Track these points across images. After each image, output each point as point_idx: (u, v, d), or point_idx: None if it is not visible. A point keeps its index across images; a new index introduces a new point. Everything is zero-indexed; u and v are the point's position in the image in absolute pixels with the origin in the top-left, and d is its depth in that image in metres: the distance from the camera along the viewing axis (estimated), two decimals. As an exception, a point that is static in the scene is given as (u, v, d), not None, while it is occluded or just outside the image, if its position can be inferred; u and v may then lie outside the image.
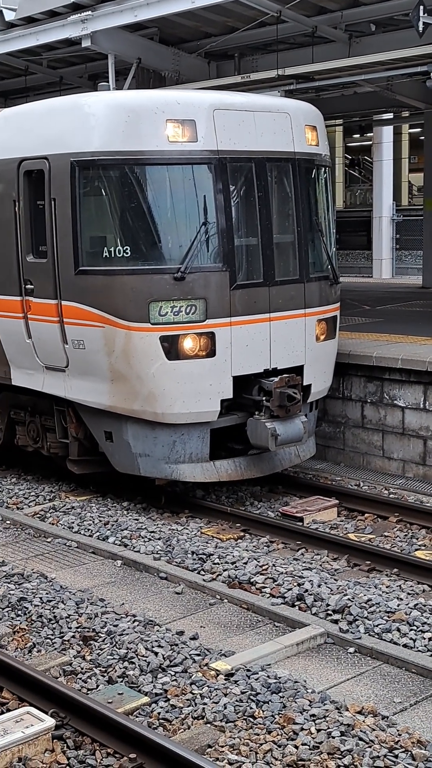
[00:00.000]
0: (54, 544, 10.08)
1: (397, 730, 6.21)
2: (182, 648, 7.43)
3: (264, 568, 8.98)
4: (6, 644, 7.62)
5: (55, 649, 7.56)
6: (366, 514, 10.77)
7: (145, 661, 7.18)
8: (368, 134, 35.09)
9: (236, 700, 6.58)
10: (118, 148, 10.10)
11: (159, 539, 9.92)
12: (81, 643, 7.62)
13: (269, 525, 10.32)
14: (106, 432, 10.79)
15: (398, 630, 7.69)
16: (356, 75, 15.47)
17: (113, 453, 10.82)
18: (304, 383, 11.07)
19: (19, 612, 8.22)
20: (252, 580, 8.76)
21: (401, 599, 8.25)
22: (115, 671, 7.09)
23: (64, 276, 10.53)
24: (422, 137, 24.44)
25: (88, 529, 10.33)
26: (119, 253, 10.14)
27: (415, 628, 7.72)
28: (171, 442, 10.45)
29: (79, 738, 6.23)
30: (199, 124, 10.14)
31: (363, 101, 21.19)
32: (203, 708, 6.48)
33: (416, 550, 9.67)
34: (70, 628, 7.86)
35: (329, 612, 8.05)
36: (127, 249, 10.13)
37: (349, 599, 8.14)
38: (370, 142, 31.82)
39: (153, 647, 7.39)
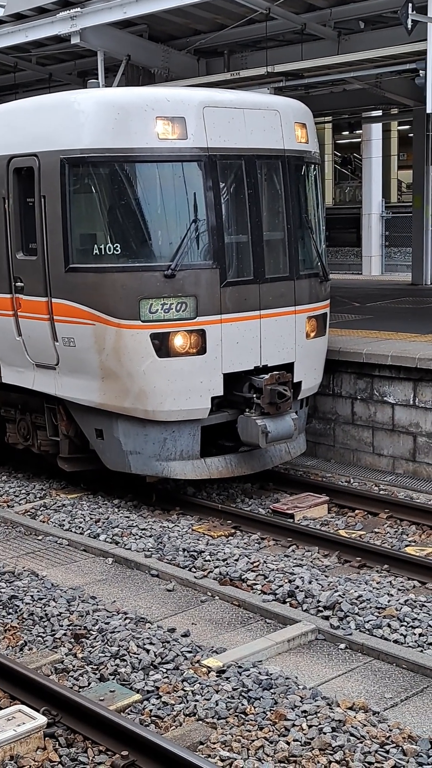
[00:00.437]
0: (45, 542, 10.08)
1: (389, 726, 6.24)
2: (174, 645, 7.44)
3: (255, 564, 8.99)
4: (-3, 642, 7.62)
5: (47, 647, 7.56)
6: (356, 511, 10.79)
7: (137, 658, 7.19)
8: (357, 131, 35.13)
9: (228, 697, 6.59)
10: (108, 145, 10.09)
11: (150, 536, 9.93)
12: (72, 640, 7.62)
13: (260, 522, 10.33)
14: (97, 429, 10.79)
15: (389, 626, 7.71)
16: (345, 72, 15.53)
17: (104, 450, 10.82)
18: (295, 380, 11.09)
19: (11, 610, 8.21)
20: (243, 577, 8.77)
21: (392, 595, 8.27)
22: (107, 669, 7.10)
23: (54, 273, 10.52)
24: (411, 134, 24.49)
25: (79, 527, 10.33)
26: (109, 251, 10.14)
27: (405, 623, 7.75)
28: (162, 439, 10.45)
29: (71, 736, 6.24)
30: (189, 122, 10.14)
31: (352, 98, 21.24)
32: (195, 705, 6.49)
33: (406, 546, 9.70)
34: (62, 625, 7.86)
35: (320, 608, 8.07)
36: (117, 246, 10.12)
37: (339, 595, 8.16)
38: (359, 139, 31.83)
39: (144, 644, 7.39)
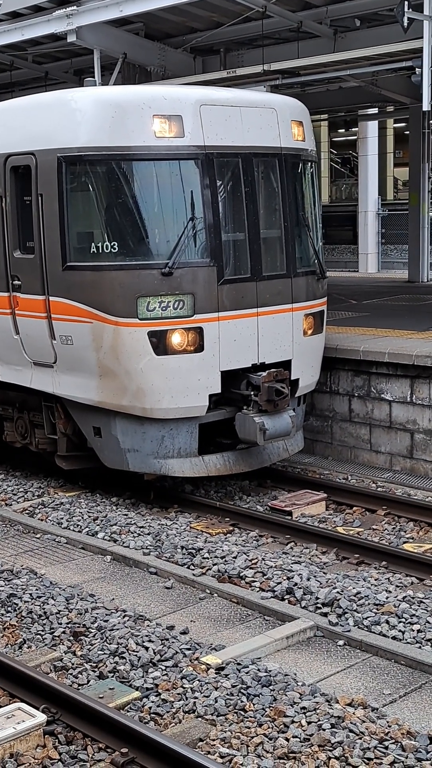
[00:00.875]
0: (43, 540, 10.08)
1: (387, 722, 6.25)
2: (173, 642, 7.45)
3: (253, 562, 9.00)
4: (-4, 640, 7.63)
5: (46, 644, 7.57)
6: (354, 508, 10.81)
7: (136, 655, 7.20)
8: (353, 129, 35.12)
9: (227, 694, 6.60)
10: (105, 143, 10.10)
11: (148, 534, 9.94)
12: (71, 638, 7.63)
13: (258, 519, 10.35)
14: (95, 427, 10.79)
15: (387, 622, 7.73)
16: (341, 70, 15.53)
17: (102, 448, 10.82)
18: (292, 378, 11.11)
19: (9, 608, 8.22)
20: (242, 575, 8.79)
21: (390, 592, 8.29)
22: (106, 666, 7.11)
23: (52, 272, 10.53)
24: (407, 132, 24.51)
25: (78, 525, 10.34)
26: (107, 249, 10.14)
27: (403, 620, 7.76)
28: (159, 437, 10.46)
29: (70, 733, 6.25)
30: (186, 120, 10.15)
31: (348, 96, 21.24)
32: (194, 702, 6.50)
33: (404, 542, 9.72)
34: (61, 623, 7.87)
35: (318, 605, 8.08)
36: (114, 244, 10.13)
37: (338, 592, 8.17)
38: (356, 137, 31.85)
39: (143, 642, 7.40)
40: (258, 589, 8.53)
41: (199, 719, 6.33)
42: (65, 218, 10.33)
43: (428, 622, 7.71)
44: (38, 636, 7.71)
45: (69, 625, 7.81)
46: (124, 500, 11.21)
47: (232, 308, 10.49)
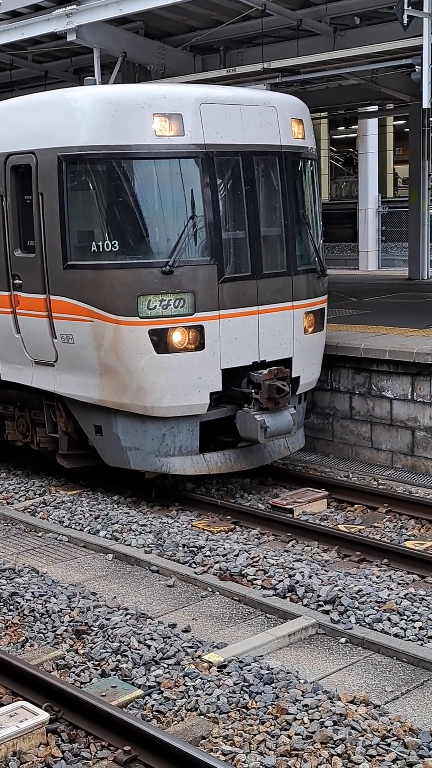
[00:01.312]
0: (45, 539, 10.09)
1: (389, 719, 6.26)
2: (175, 640, 7.46)
3: (255, 560, 9.01)
4: (-1, 639, 7.65)
5: (48, 643, 7.58)
6: (355, 505, 10.82)
7: (138, 654, 7.21)
8: (353, 126, 35.12)
9: (229, 692, 6.61)
10: (105, 142, 10.10)
11: (150, 532, 9.95)
12: (74, 636, 7.64)
13: (259, 517, 10.36)
14: (96, 426, 10.80)
15: (389, 620, 7.74)
16: (341, 68, 15.54)
17: (103, 447, 10.83)
18: (293, 375, 11.11)
19: (12, 607, 8.23)
20: (243, 572, 8.80)
21: (391, 589, 8.30)
22: (108, 664, 7.12)
23: (53, 270, 10.54)
24: (407, 129, 24.51)
25: (79, 523, 10.35)
26: (107, 248, 10.15)
27: (405, 617, 7.77)
28: (161, 435, 10.47)
29: (73, 731, 6.26)
30: (186, 118, 10.15)
31: (348, 94, 21.25)
32: (196, 700, 6.51)
33: (406, 540, 9.73)
34: (63, 622, 7.88)
35: (320, 603, 8.09)
36: (115, 243, 10.13)
37: (339, 590, 8.18)
38: (355, 135, 31.84)
39: (146, 640, 7.41)
40: (260, 587, 8.54)
41: (202, 717, 6.34)
42: (66, 217, 10.33)
43: (430, 619, 7.72)
44: (40, 634, 7.72)
45: (71, 624, 7.82)
46: (126, 498, 11.22)
47: (232, 306, 10.50)
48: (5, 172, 11.02)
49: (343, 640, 7.59)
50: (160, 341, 10.14)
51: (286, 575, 8.60)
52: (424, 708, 6.59)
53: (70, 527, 10.31)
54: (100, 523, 10.28)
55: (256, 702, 6.47)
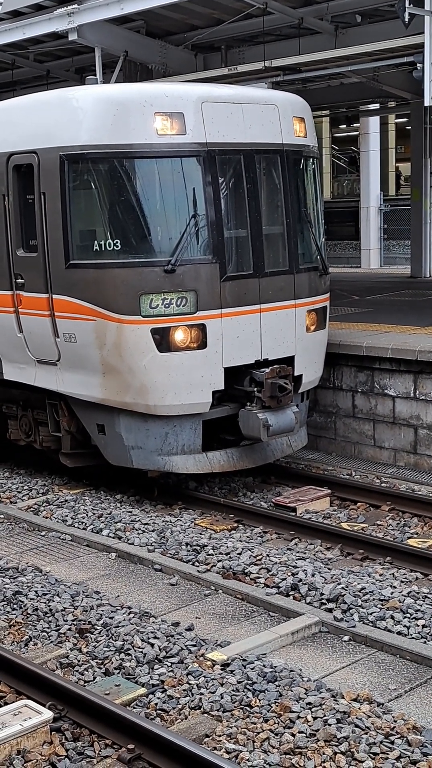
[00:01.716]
0: (48, 538, 10.10)
1: (393, 717, 6.27)
2: (178, 639, 7.47)
3: (258, 558, 9.02)
4: (2, 638, 7.64)
5: (52, 642, 7.59)
6: (358, 503, 10.82)
7: (142, 652, 7.22)
8: (355, 125, 35.10)
9: (233, 690, 6.62)
10: (107, 141, 10.10)
11: (153, 531, 9.96)
12: (77, 635, 7.65)
13: (262, 515, 10.36)
14: (99, 425, 10.81)
15: (392, 618, 7.75)
16: (343, 66, 15.50)
17: (106, 446, 10.84)
18: (295, 374, 11.12)
19: (15, 606, 8.24)
20: (246, 571, 8.80)
21: (395, 587, 8.30)
22: (112, 663, 7.13)
23: (55, 270, 10.54)
24: (409, 127, 24.47)
25: (82, 522, 10.36)
26: (109, 247, 10.16)
27: (408, 615, 7.78)
28: (163, 434, 10.48)
29: (77, 730, 6.27)
30: (188, 117, 10.15)
31: (350, 92, 21.23)
32: (200, 698, 6.52)
33: (409, 538, 9.73)
34: (66, 620, 7.89)
35: (323, 601, 8.09)
36: (117, 242, 10.14)
37: (343, 588, 8.19)
38: (357, 133, 31.82)
39: (149, 639, 7.42)
40: (263, 585, 8.54)
41: (205, 715, 6.35)
42: (68, 216, 10.34)
43: (433, 617, 7.73)
44: (44, 633, 7.73)
45: (74, 622, 7.83)
46: (129, 497, 11.23)
47: (234, 305, 10.50)
48: (7, 172, 11.02)
49: (346, 638, 7.60)
50: (163, 340, 10.15)
51: (289, 573, 8.60)
52: (427, 706, 6.60)
53: (73, 526, 10.32)
54: (103, 522, 10.28)
55: (259, 700, 6.47)
